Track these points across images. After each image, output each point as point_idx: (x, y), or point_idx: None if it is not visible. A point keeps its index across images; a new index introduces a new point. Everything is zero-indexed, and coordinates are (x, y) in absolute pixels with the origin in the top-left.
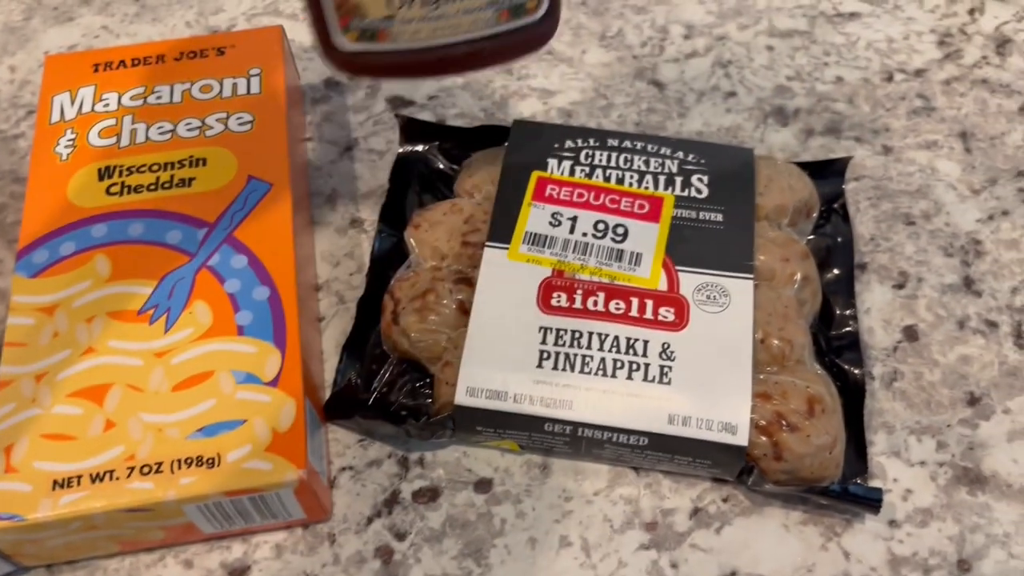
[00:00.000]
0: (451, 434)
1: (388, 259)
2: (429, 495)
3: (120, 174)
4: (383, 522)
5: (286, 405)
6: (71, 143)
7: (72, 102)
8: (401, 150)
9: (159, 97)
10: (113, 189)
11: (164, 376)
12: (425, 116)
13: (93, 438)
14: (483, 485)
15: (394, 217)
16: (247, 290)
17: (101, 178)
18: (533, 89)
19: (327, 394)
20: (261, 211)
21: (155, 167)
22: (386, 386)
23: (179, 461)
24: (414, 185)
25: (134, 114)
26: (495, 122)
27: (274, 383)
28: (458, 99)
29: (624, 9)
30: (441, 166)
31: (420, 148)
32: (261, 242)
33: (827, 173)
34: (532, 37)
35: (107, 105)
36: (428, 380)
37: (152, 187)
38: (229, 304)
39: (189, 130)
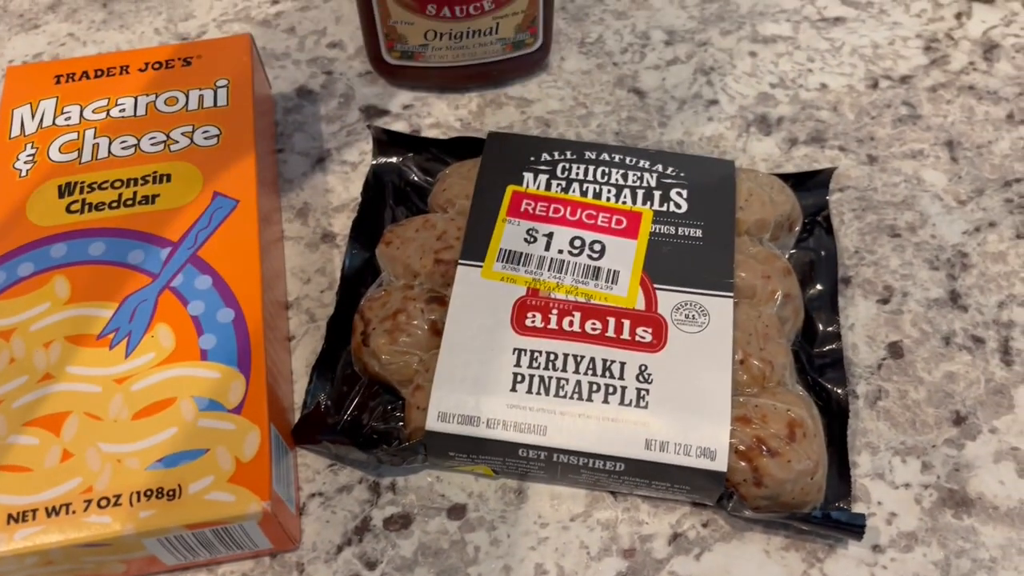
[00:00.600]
0: (423, 459)
1: (360, 276)
2: (401, 522)
3: (81, 191)
4: (353, 550)
5: (250, 433)
6: (31, 159)
7: (33, 115)
8: (375, 162)
9: (123, 110)
10: (74, 207)
11: (124, 403)
12: (400, 126)
13: (49, 469)
14: (457, 511)
15: (366, 232)
16: (211, 312)
17: (61, 195)
18: (511, 98)
19: (296, 417)
20: (227, 229)
21: (117, 183)
22: (357, 409)
23: (138, 493)
24: (388, 199)
25: (96, 128)
26: (471, 132)
27: (238, 410)
28: (433, 108)
29: (604, 14)
30: (416, 179)
31: (394, 160)
32: (226, 262)
33: (811, 184)
34: (530, 63)
35: (69, 118)
36: (400, 403)
37: (114, 204)
38: (192, 327)
39: (153, 145)
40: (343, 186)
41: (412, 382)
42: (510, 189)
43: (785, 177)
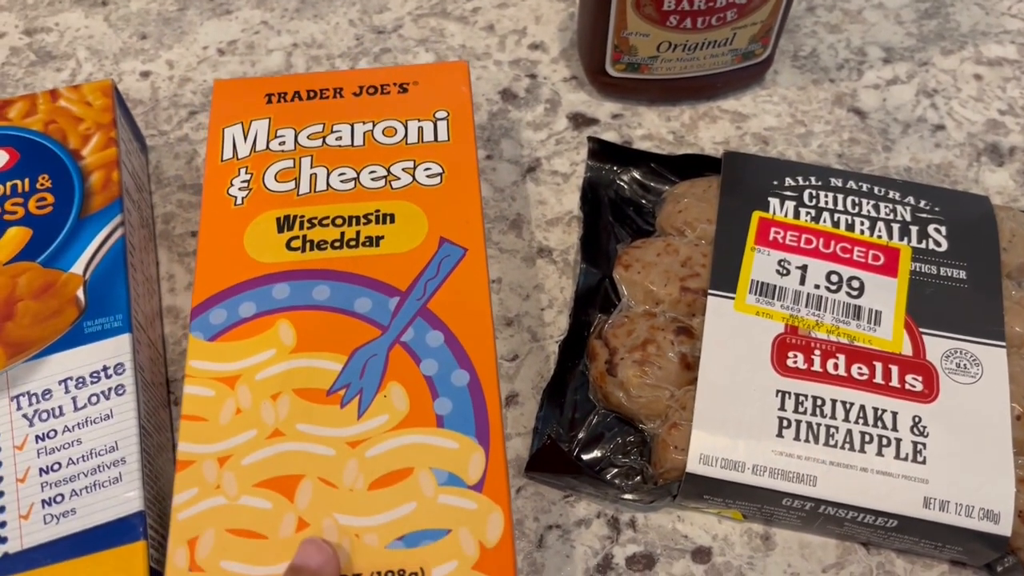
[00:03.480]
0: (672, 499)
1: (589, 297)
2: (644, 562)
3: (301, 226)
4: None
5: (492, 514)
6: (245, 185)
7: (245, 137)
8: (590, 175)
9: (339, 138)
10: (295, 243)
11: (359, 471)
12: (609, 136)
13: (285, 539)
14: (701, 554)
15: (592, 251)
16: (445, 373)
17: (281, 229)
18: (724, 111)
19: (529, 442)
20: (456, 280)
21: (339, 221)
22: (590, 439)
23: (379, 574)
24: (605, 214)
25: (313, 156)
26: (686, 146)
27: (479, 487)
28: (644, 119)
29: (816, 27)
30: (631, 193)
31: (609, 174)
32: (458, 317)
33: None
34: (753, 73)
35: (283, 143)
36: (640, 437)
37: (337, 244)
38: (427, 389)
39: (374, 179)
40: (556, 198)
41: (662, 418)
42: (756, 215)
43: None
